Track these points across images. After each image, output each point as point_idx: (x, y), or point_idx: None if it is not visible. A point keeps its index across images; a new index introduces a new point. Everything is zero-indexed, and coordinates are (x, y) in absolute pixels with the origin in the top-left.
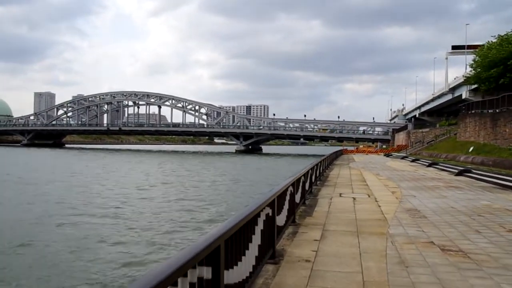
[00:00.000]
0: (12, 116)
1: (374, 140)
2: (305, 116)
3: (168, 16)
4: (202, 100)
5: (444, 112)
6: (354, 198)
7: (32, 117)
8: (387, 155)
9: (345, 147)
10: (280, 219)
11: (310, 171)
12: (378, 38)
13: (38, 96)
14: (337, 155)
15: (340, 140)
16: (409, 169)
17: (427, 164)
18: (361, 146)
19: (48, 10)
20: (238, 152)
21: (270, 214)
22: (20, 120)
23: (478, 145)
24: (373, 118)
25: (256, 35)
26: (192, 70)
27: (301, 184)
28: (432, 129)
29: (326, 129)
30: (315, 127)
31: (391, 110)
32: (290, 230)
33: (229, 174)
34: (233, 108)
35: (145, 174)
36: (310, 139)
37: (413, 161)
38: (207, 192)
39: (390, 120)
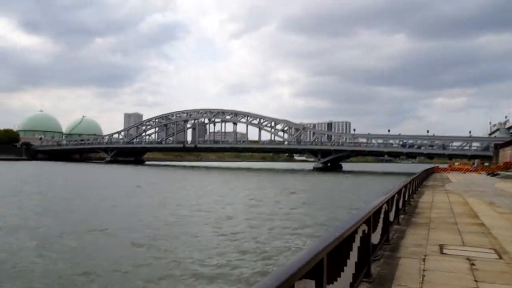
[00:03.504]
0: (101, 135)
1: (471, 157)
2: (389, 131)
3: (249, 37)
4: (283, 118)
5: None
6: (470, 262)
7: (115, 135)
8: (492, 174)
9: (436, 165)
10: None
11: (385, 205)
12: (470, 48)
13: (128, 116)
14: (427, 173)
15: (430, 156)
16: None
17: None
18: (456, 164)
19: (139, 38)
20: (315, 169)
21: None
22: (105, 138)
23: None
24: (470, 132)
25: (336, 51)
26: (273, 89)
27: (358, 239)
28: None
29: (413, 145)
30: (401, 143)
31: (490, 123)
32: None
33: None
34: (314, 125)
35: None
36: (395, 155)
37: None
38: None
39: (489, 134)
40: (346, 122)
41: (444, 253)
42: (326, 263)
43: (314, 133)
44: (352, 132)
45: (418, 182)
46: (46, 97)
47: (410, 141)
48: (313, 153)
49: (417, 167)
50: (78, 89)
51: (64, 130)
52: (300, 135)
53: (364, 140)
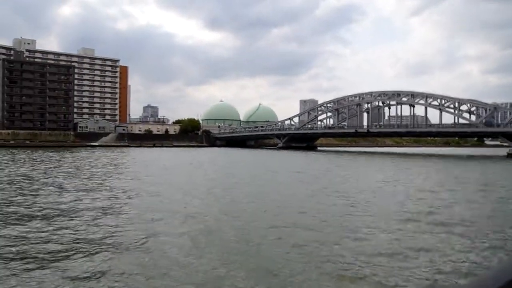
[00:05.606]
0: (274, 121)
1: None
2: None
3: (430, 12)
4: (471, 98)
5: None
6: None
7: (287, 122)
8: None
9: None
10: None
11: None
12: None
13: (303, 103)
14: None
15: None
16: None
17: None
18: None
19: (313, 24)
20: (510, 156)
21: None
22: (277, 125)
23: None
24: None
25: None
26: (459, 67)
27: None
28: None
29: None
30: None
31: None
32: None
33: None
34: (511, 105)
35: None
36: None
37: None
38: None
39: None
40: None
41: None
42: None
43: (510, 113)
44: None
45: None
46: (227, 87)
47: None
48: (508, 137)
49: None
50: (256, 79)
51: (241, 118)
52: (492, 116)
53: None
